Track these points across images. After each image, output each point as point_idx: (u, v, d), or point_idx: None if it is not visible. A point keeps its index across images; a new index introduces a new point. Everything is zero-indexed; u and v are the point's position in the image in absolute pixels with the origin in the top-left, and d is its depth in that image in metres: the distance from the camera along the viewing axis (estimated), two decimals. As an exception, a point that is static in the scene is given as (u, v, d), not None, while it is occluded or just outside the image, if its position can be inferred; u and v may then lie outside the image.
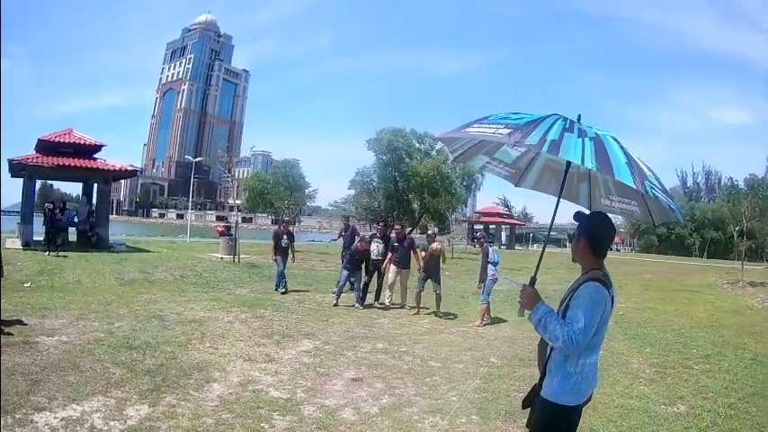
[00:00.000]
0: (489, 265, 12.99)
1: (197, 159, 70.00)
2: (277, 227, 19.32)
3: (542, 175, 4.32)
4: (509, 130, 3.18)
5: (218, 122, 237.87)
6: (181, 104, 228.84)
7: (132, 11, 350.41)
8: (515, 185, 4.43)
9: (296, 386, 7.48)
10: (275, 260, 17.28)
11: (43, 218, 22.12)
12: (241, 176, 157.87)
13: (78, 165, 24.78)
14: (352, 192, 62.17)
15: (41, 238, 22.43)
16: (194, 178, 73.96)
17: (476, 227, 67.63)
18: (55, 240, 21.00)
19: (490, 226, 69.94)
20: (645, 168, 3.31)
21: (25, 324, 10.07)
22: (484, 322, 12.73)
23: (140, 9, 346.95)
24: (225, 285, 18.30)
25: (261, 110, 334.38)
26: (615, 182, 3.54)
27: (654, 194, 3.13)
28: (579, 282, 3.26)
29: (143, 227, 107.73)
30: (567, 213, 3.78)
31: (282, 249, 16.98)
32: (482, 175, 49.99)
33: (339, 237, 18.62)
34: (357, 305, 14.75)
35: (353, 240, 16.50)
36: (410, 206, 55.69)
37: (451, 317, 14.24)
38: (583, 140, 3.07)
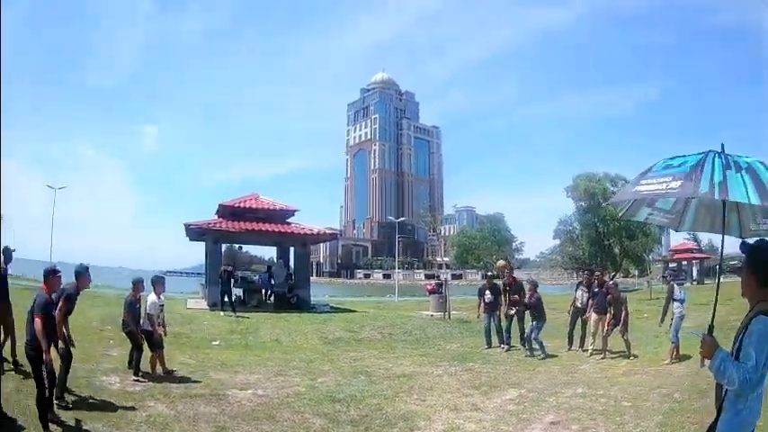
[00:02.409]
0: (675, 302, 13.73)
1: (400, 219, 72.65)
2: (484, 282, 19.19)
3: (698, 213, 4.75)
4: (678, 182, 3.63)
5: (416, 181, 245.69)
6: (375, 165, 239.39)
7: (302, 72, 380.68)
8: (676, 231, 5.05)
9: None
10: (479, 316, 17.44)
11: (219, 280, 23.41)
12: (447, 234, 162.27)
13: (270, 229, 26.08)
14: (557, 241, 66.30)
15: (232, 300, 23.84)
16: (399, 238, 76.64)
17: (670, 265, 64.78)
18: (231, 301, 22.08)
19: (683, 263, 67.46)
20: None
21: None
22: (672, 360, 13.21)
23: (313, 72, 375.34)
24: (435, 341, 18.55)
25: (458, 164, 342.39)
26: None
27: None
28: (749, 317, 3.43)
29: (347, 288, 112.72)
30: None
31: (487, 305, 17.09)
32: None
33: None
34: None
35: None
36: (612, 251, 59.26)
37: (646, 357, 14.51)
38: (741, 175, 3.49)
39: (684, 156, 3.79)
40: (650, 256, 61.45)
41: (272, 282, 26.20)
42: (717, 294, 4.31)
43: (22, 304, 9.80)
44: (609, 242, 58.54)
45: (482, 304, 17.12)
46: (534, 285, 16.27)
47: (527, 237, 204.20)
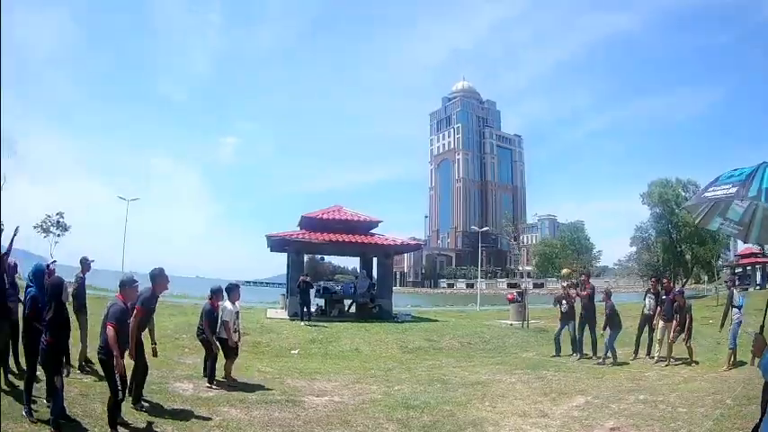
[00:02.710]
0: (734, 308, 13.88)
1: (483, 229, 72.31)
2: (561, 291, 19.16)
3: (763, 226, 5.08)
4: (735, 188, 4.22)
5: (499, 189, 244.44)
6: (459, 174, 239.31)
7: (381, 82, 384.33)
8: (744, 242, 5.92)
9: (561, 437, 8.31)
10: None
11: (297, 290, 23.80)
12: (530, 242, 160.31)
13: (353, 240, 26.43)
14: (634, 249, 67.74)
15: (313, 309, 24.05)
16: (482, 247, 76.34)
17: (735, 270, 64.34)
18: (310, 311, 22.47)
19: (747, 268, 66.76)
20: None
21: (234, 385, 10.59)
22: (730, 366, 13.35)
23: (393, 82, 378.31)
24: (511, 350, 18.72)
25: (540, 172, 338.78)
26: None
27: None
28: None
29: (430, 297, 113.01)
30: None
31: (563, 314, 17.04)
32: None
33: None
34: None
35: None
36: (683, 258, 60.12)
37: (706, 363, 14.63)
38: None
39: (744, 168, 4.38)
40: (718, 262, 61.75)
41: (355, 291, 26.47)
42: None
43: (94, 312, 10.36)
44: (681, 249, 59.37)
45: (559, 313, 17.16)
46: (608, 294, 16.27)
47: (607, 244, 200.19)
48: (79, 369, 9.96)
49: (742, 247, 76.24)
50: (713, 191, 4.48)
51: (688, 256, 59.48)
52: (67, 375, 8.38)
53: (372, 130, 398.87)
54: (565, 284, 18.99)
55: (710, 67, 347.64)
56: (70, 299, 8.87)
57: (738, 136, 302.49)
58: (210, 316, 10.33)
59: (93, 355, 8.96)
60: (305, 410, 8.92)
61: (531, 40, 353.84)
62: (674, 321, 14.77)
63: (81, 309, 10.73)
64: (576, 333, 16.47)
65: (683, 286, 61.23)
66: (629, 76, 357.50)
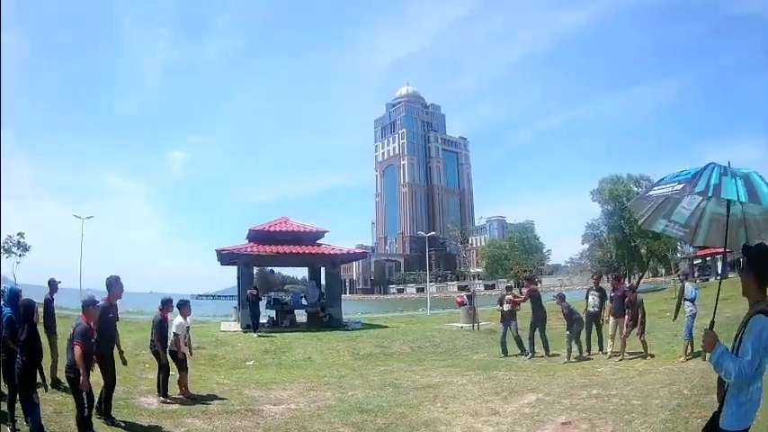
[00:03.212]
0: (686, 301, 14.11)
1: (430, 234, 72.94)
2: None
3: (710, 228, 5.08)
4: (682, 185, 4.18)
5: (446, 193, 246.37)
6: (404, 179, 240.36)
7: (325, 90, 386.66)
8: (690, 244, 5.94)
9: (512, 433, 8.43)
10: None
11: (247, 303, 24.21)
12: (479, 244, 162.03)
13: (300, 251, 26.89)
14: (586, 246, 68.81)
15: (264, 321, 24.96)
16: (430, 251, 76.84)
17: (694, 262, 66.06)
18: (257, 322, 22.97)
19: (707, 259, 67.24)
20: None
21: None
22: (687, 357, 13.45)
23: (339, 89, 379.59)
24: (462, 352, 19.08)
25: (491, 174, 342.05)
26: (765, 218, 4.51)
27: None
28: (748, 315, 3.76)
29: (380, 304, 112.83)
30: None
31: (505, 314, 17.45)
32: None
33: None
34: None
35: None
36: (638, 252, 60.78)
37: (662, 356, 14.77)
38: (735, 180, 3.97)
39: (690, 168, 4.31)
40: (676, 255, 62.57)
41: (304, 302, 26.83)
42: (718, 294, 4.61)
43: (59, 331, 10.73)
44: (635, 243, 59.65)
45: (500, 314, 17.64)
46: (561, 297, 16.48)
47: (559, 242, 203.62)
48: (53, 387, 10.19)
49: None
50: (659, 189, 4.46)
51: (643, 251, 60.15)
52: (46, 391, 8.63)
53: (320, 139, 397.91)
54: (506, 286, 19.52)
55: (663, 66, 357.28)
56: (41, 319, 9.12)
57: (692, 135, 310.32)
58: (161, 327, 10.61)
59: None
60: (264, 419, 9.28)
61: (479, 43, 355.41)
62: (626, 317, 14.95)
63: (51, 329, 10.96)
64: (516, 333, 16.96)
65: (639, 280, 62.51)
66: (580, 75, 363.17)
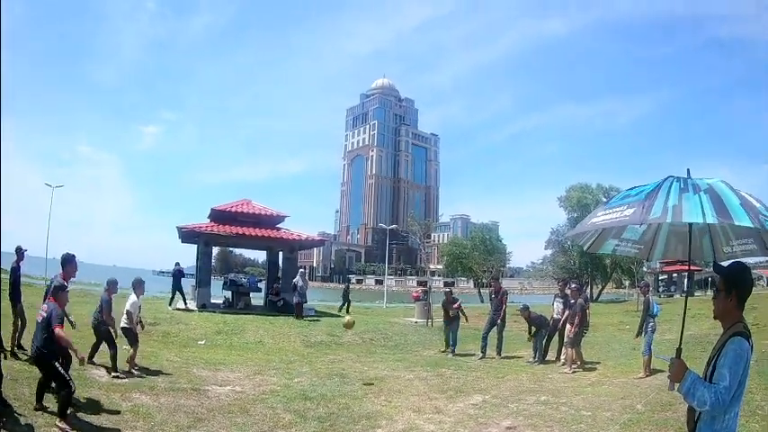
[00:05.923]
0: (648, 317, 13.77)
1: (391, 227, 73.02)
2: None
3: (668, 242, 4.78)
4: (632, 210, 3.64)
5: (412, 188, 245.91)
6: (372, 171, 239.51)
7: (302, 75, 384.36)
8: (646, 261, 5.43)
9: (453, 434, 8.23)
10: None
11: (172, 280, 24.81)
12: (441, 241, 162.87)
13: (259, 234, 26.96)
14: (549, 252, 68.38)
15: (220, 301, 25.59)
16: (392, 244, 77.06)
17: (660, 277, 67.05)
18: (184, 297, 24.05)
19: (673, 275, 68.26)
20: (755, 203, 3.57)
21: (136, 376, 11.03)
22: (646, 374, 13.18)
23: (311, 73, 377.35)
24: (413, 347, 19.30)
25: (456, 173, 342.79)
26: (732, 225, 3.79)
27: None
28: (725, 338, 3.50)
29: (338, 292, 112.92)
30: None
31: (448, 316, 18.14)
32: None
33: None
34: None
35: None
36: (602, 262, 60.08)
37: (618, 368, 14.73)
38: (699, 196, 3.47)
39: (645, 185, 3.83)
40: (642, 268, 61.72)
41: (261, 285, 27.01)
42: (684, 316, 4.45)
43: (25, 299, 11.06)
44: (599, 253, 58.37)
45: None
46: (525, 308, 16.71)
47: (521, 245, 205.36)
48: (12, 355, 10.28)
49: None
50: (603, 215, 3.91)
51: (607, 261, 59.72)
52: (5, 358, 8.75)
53: (291, 122, 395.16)
54: (448, 290, 19.80)
55: (639, 79, 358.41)
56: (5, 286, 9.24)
57: (664, 147, 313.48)
58: (108, 306, 10.95)
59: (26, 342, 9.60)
60: (208, 399, 9.52)
61: (457, 42, 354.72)
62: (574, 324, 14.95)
63: (16, 296, 11.08)
64: (452, 333, 17.54)
65: (600, 291, 63.52)
66: (555, 82, 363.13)
